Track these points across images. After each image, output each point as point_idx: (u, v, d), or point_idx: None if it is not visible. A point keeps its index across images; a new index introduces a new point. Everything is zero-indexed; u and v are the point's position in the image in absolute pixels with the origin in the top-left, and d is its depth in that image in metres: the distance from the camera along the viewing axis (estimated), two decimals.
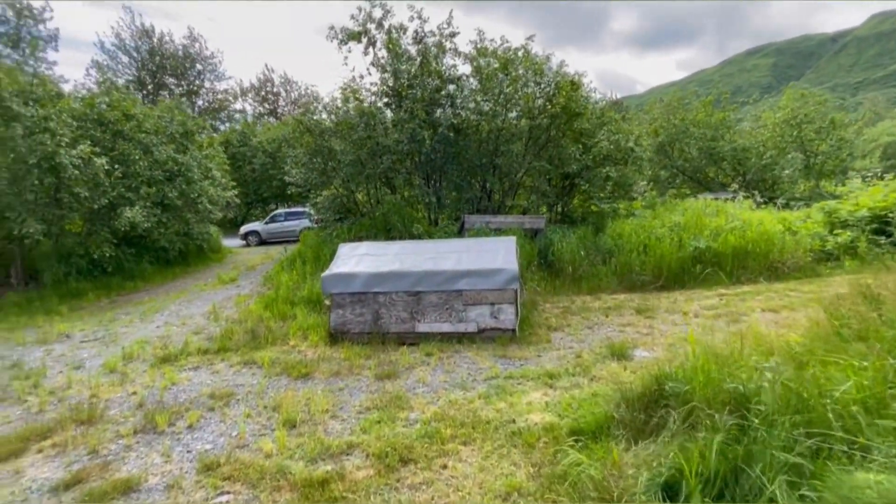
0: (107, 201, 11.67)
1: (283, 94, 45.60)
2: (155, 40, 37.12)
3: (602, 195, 13.72)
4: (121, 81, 30.50)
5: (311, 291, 8.41)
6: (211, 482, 2.94)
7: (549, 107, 12.10)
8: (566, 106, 12.07)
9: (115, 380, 5.07)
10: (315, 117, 13.36)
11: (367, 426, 3.61)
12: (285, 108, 44.44)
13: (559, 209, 14.46)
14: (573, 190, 14.20)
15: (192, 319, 8.04)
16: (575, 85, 12.48)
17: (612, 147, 12.59)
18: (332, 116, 13.26)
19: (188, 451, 3.42)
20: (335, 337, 6.24)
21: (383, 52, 12.37)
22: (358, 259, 6.76)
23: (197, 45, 38.95)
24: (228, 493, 2.82)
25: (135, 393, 4.66)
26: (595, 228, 11.58)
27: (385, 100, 12.92)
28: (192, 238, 14.69)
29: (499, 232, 10.05)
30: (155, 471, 3.15)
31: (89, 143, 11.41)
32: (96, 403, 4.38)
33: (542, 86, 12.61)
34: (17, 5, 25.87)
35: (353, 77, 12.90)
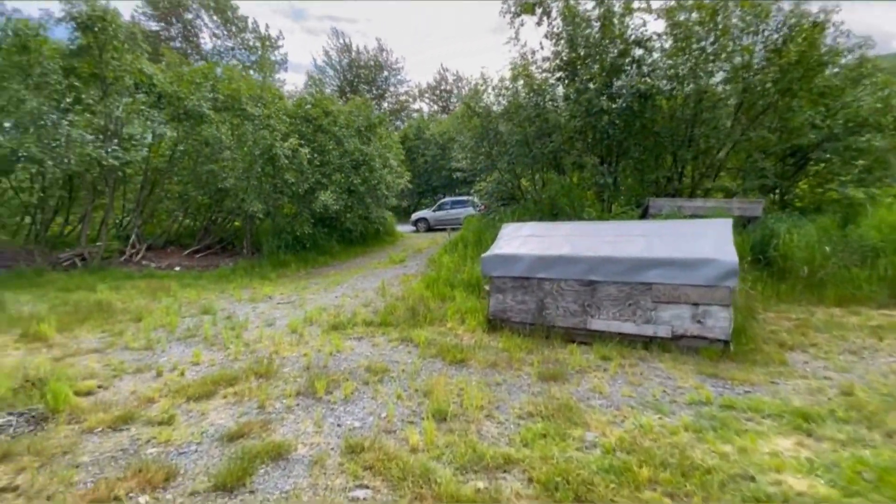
0: (308, 186, 13.52)
1: (455, 90, 47.92)
2: (353, 54, 42.93)
3: (846, 177, 10.06)
4: (328, 91, 36.19)
5: (470, 274, 8.08)
6: (352, 468, 2.60)
7: (778, 59, 9.29)
8: (804, 55, 9.11)
9: (293, 340, 5.46)
10: (483, 101, 13.11)
11: (530, 438, 2.87)
12: (456, 104, 46.71)
13: (777, 194, 11.23)
14: (802, 170, 10.84)
15: (364, 293, 8.53)
16: (819, 27, 9.35)
17: (879, 106, 9.07)
18: (500, 98, 12.82)
19: (338, 425, 3.21)
20: (493, 324, 5.67)
21: (558, 21, 11.29)
22: (522, 240, 6.04)
23: (384, 53, 43.66)
24: (367, 487, 2.43)
25: (306, 355, 4.87)
26: (842, 219, 8.48)
27: (558, 74, 11.85)
28: (370, 221, 16.17)
29: (695, 218, 8.11)
30: (305, 440, 3.00)
31: (297, 136, 13.36)
32: (274, 360, 4.68)
33: (767, 33, 9.79)
34: (262, 36, 32.35)
35: (524, 53, 12.16)
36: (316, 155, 13.90)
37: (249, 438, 3.00)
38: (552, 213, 10.19)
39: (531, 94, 11.93)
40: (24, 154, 11.71)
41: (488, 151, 13.05)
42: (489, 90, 13.07)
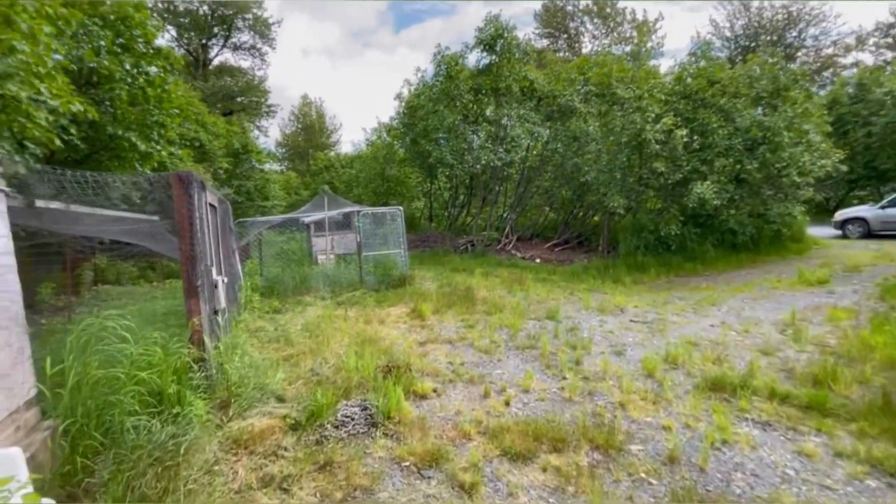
0: (680, 176, 11.10)
1: None
2: (752, 11, 34.48)
3: None
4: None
5: None
6: None
7: None
8: None
9: (648, 391, 3.83)
10: None
11: None
12: None
13: None
14: None
15: (757, 328, 5.76)
16: None
17: None
18: None
19: None
20: None
21: None
22: None
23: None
24: None
25: (667, 429, 3.17)
26: None
27: None
28: (767, 221, 11.88)
29: None
30: None
31: (672, 115, 11.13)
32: (619, 423, 3.24)
33: None
34: (638, 23, 30.84)
35: None
36: (695, 137, 11.21)
37: None
38: None
39: None
40: (444, 161, 15.05)
41: None
42: None
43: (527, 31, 43.79)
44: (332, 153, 37.23)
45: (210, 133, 19.43)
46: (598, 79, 12.73)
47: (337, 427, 3.11)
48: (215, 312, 3.99)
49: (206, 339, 3.45)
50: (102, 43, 10.08)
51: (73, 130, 9.76)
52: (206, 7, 29.90)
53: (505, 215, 18.48)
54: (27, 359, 2.75)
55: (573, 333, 5.66)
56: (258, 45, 32.89)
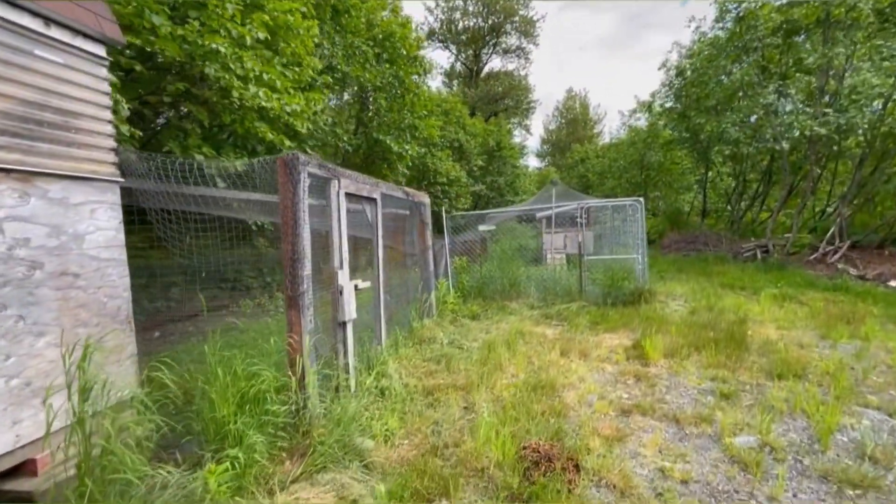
0: None
1: None
2: None
3: None
4: None
5: None
6: None
7: None
8: None
9: None
10: None
11: None
12: None
13: None
14: None
15: None
16: None
17: None
18: None
19: None
20: None
21: None
22: None
23: None
24: None
25: None
26: None
27: None
28: None
29: None
30: None
31: None
32: None
33: None
34: None
35: None
36: None
37: None
38: None
39: None
40: (725, 137, 11.18)
41: None
42: None
43: None
44: (591, 145, 35.05)
45: (469, 134, 20.91)
46: None
47: None
48: (342, 324, 3.34)
49: (303, 362, 2.77)
50: (373, 62, 11.50)
51: (345, 138, 11.61)
52: (479, 19, 32.70)
53: (830, 210, 12.54)
54: (127, 358, 2.67)
55: None
56: (523, 45, 33.96)
